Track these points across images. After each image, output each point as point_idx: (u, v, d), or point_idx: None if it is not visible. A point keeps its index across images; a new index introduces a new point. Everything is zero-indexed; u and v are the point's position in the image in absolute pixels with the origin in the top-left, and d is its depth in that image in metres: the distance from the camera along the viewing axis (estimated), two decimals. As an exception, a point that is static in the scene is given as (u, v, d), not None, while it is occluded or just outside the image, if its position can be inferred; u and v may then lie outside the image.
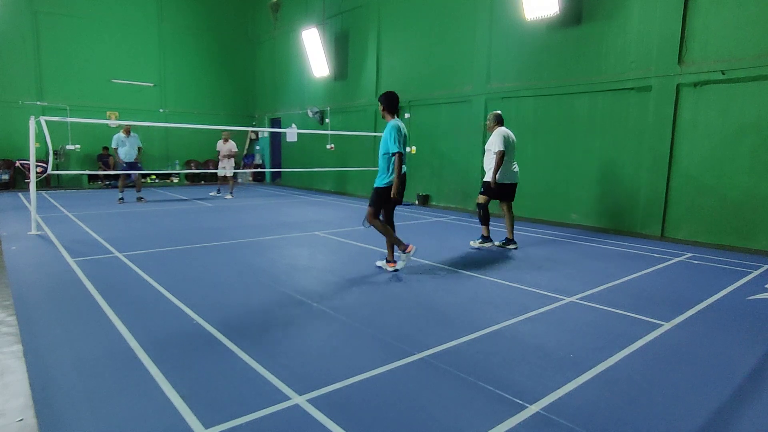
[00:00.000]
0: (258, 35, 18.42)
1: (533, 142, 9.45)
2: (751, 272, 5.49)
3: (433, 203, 11.71)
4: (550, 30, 9.00)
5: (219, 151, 12.60)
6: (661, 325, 3.71)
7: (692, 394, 2.66)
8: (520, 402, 2.52)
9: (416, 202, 11.81)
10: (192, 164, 17.07)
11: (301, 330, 3.51)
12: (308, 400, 2.48)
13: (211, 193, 13.22)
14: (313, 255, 5.96)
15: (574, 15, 8.63)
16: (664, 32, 7.52)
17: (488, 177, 6.31)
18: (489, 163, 6.35)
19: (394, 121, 5.02)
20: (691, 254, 6.43)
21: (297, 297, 4.27)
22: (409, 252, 5.14)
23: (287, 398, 2.50)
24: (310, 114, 15.14)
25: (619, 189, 8.22)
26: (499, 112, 6.57)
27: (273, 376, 2.75)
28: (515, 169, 6.46)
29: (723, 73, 6.92)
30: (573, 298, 4.35)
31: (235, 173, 13.12)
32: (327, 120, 14.99)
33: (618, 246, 6.92)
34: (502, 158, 6.16)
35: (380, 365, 2.91)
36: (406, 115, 12.07)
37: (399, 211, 10.28)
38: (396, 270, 5.18)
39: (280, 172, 18.15)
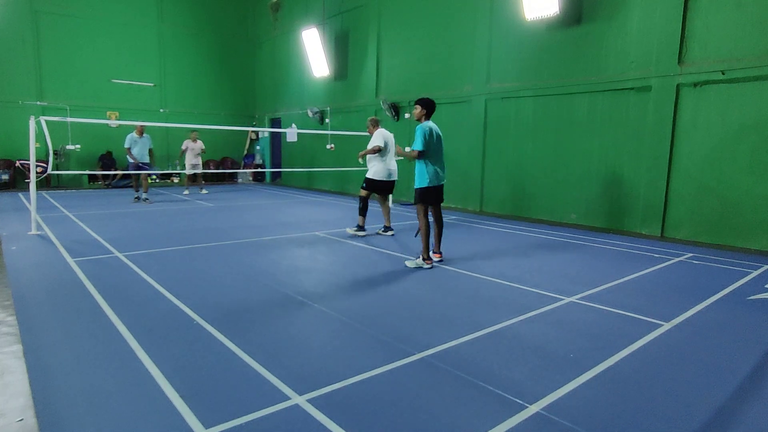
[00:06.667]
0: (258, 35, 18.41)
1: (533, 142, 9.45)
2: (751, 272, 5.49)
3: (433, 203, 11.69)
4: (550, 30, 9.00)
5: (185, 150, 12.49)
6: (661, 325, 3.71)
7: (692, 394, 2.66)
8: (520, 402, 2.52)
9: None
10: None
11: (301, 330, 3.51)
12: (308, 400, 2.48)
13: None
14: (313, 255, 5.96)
15: (574, 15, 8.63)
16: (664, 32, 7.52)
17: (369, 174, 7.19)
18: (371, 159, 7.25)
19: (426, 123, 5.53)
20: (691, 254, 6.43)
21: (297, 297, 4.27)
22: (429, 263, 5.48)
23: (287, 398, 2.50)
24: (310, 114, 15.14)
25: (618, 189, 8.22)
26: (376, 117, 7.58)
27: (273, 376, 2.75)
28: (393, 168, 7.19)
29: (723, 73, 6.92)
30: (573, 298, 4.35)
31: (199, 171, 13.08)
32: (327, 120, 14.99)
33: (618, 246, 6.92)
34: (376, 151, 7.02)
35: (380, 365, 2.91)
36: (406, 115, 12.06)
37: (399, 212, 10.28)
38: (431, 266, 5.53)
39: (280, 172, 18.15)
